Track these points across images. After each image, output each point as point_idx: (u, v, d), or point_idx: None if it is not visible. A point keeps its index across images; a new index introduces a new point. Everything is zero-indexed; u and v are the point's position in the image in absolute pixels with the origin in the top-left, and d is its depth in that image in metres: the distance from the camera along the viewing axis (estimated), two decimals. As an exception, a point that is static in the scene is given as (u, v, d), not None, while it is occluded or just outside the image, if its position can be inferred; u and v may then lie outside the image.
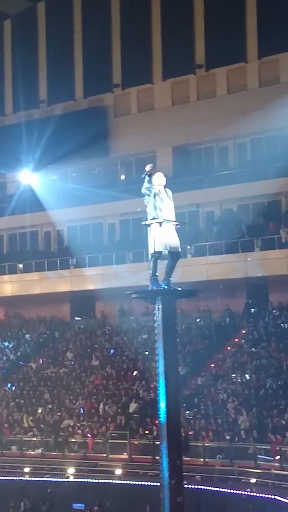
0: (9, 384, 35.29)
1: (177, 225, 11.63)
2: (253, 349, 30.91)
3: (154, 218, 11.48)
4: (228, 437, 26.37)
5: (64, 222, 40.27)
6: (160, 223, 11.41)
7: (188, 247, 33.20)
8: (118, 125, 39.56)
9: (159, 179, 11.75)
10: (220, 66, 36.70)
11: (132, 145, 38.60)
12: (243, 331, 32.80)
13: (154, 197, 11.56)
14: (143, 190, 11.69)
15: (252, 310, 33.49)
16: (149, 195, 11.64)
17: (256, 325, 32.36)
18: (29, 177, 39.87)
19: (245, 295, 34.70)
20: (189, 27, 37.47)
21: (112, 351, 34.79)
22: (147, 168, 11.71)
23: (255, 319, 32.79)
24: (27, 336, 39.11)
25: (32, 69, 42.09)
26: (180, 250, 11.69)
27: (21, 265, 40.04)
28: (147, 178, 11.70)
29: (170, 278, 11.63)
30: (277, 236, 32.81)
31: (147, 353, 32.45)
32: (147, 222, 11.61)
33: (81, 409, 31.06)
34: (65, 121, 39.68)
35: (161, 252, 11.47)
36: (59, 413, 31.48)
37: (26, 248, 42.19)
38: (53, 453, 29.82)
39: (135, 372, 32.25)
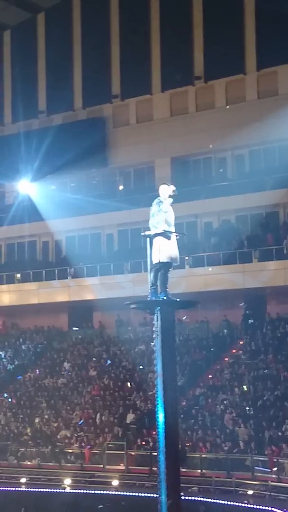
0: (5, 395, 35.19)
1: (177, 236, 11.67)
2: (250, 360, 30.88)
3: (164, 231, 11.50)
4: (225, 448, 26.31)
5: (62, 232, 40.29)
6: (169, 236, 11.45)
7: (186, 257, 33.22)
8: (116, 136, 39.67)
9: (166, 191, 11.79)
10: (219, 77, 36.84)
11: (130, 156, 38.70)
12: (241, 342, 32.78)
13: (165, 212, 11.62)
14: (159, 211, 11.64)
15: (250, 321, 33.46)
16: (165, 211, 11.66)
17: (254, 336, 32.34)
18: (27, 187, 39.93)
19: (243, 306, 34.68)
20: (188, 39, 37.64)
21: (108, 361, 34.72)
22: (172, 191, 11.75)
23: (252, 330, 32.78)
24: (24, 346, 39.04)
25: (31, 79, 42.22)
26: (178, 262, 11.75)
27: (19, 275, 40.02)
28: (168, 200, 11.70)
29: (167, 289, 11.64)
30: (275, 247, 32.87)
31: (143, 364, 32.40)
32: (147, 233, 11.62)
33: (80, 421, 30.94)
34: (64, 131, 39.78)
35: (165, 262, 11.51)
36: (55, 424, 31.39)
37: (24, 258, 42.19)
38: (50, 463, 29.72)
39: (128, 384, 32.18)
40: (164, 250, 11.47)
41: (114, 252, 39.05)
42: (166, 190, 11.78)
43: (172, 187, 11.81)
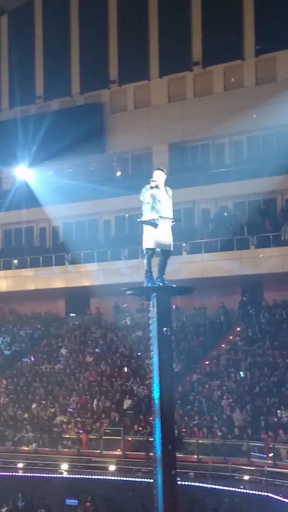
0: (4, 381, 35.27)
1: (173, 222, 11.61)
2: (247, 347, 30.95)
3: (152, 219, 11.42)
4: (221, 434, 26.41)
5: (60, 218, 40.24)
6: (155, 224, 11.37)
7: (184, 244, 33.20)
8: (114, 122, 39.52)
9: (159, 176, 11.67)
10: (217, 63, 36.69)
11: (128, 142, 38.57)
12: (238, 329, 32.84)
13: (153, 198, 11.51)
14: (146, 199, 11.52)
15: (249, 309, 33.48)
16: (148, 203, 11.55)
17: (250, 322, 32.39)
18: (25, 173, 39.82)
19: (240, 292, 34.72)
20: (186, 24, 37.42)
21: (97, 350, 34.66)
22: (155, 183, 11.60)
23: (249, 317, 32.82)
24: (22, 332, 39.08)
25: (28, 64, 42.01)
26: (172, 248, 11.65)
27: (16, 261, 40.02)
28: (154, 189, 11.54)
29: (164, 275, 11.62)
30: (272, 234, 32.85)
31: (140, 350, 32.47)
32: (142, 219, 11.58)
33: (71, 409, 30.99)
34: (61, 117, 39.62)
35: (153, 249, 11.46)
36: (52, 409, 31.48)
37: (21, 244, 42.17)
38: (47, 449, 29.83)
39: (125, 370, 32.24)
40: (154, 236, 11.42)
41: (112, 238, 39.01)
42: (157, 178, 11.67)
43: (155, 181, 11.64)
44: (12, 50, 42.72)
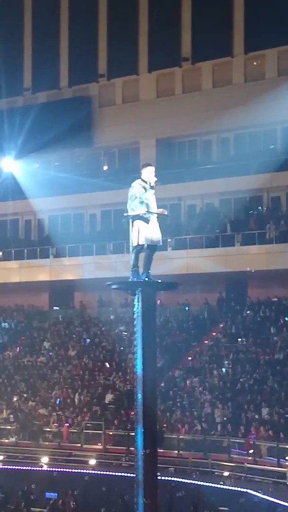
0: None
1: (157, 217, 11.57)
2: (229, 344, 31.04)
3: (142, 214, 11.36)
4: (202, 430, 26.48)
5: (45, 211, 40.13)
6: (147, 219, 11.35)
7: (169, 240, 33.23)
8: (102, 116, 39.43)
9: (151, 173, 11.61)
10: (206, 59, 36.67)
11: (115, 136, 38.49)
12: (221, 325, 32.92)
13: (143, 194, 11.45)
14: (141, 196, 11.44)
15: (225, 304, 33.61)
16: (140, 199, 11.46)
17: (234, 319, 32.49)
18: (11, 165, 39.63)
19: (224, 289, 34.81)
20: (176, 20, 37.38)
21: (87, 340, 34.75)
22: (154, 182, 11.53)
23: (233, 314, 32.92)
24: (4, 324, 38.96)
25: (17, 56, 41.78)
26: (160, 243, 11.66)
27: (0, 253, 39.86)
28: (148, 187, 11.47)
29: (149, 270, 11.61)
30: (257, 232, 32.95)
31: (123, 345, 32.47)
32: (130, 214, 11.54)
33: (58, 399, 31.00)
34: (49, 109, 39.48)
35: (148, 245, 11.44)
36: (34, 402, 31.43)
37: (6, 236, 41.98)
38: (28, 441, 29.78)
39: (107, 364, 32.25)
40: (143, 232, 11.41)
41: (97, 232, 38.95)
42: (151, 175, 11.58)
43: (154, 178, 11.59)
44: (1, 41, 42.43)
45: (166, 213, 11.72)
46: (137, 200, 11.44)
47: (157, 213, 11.51)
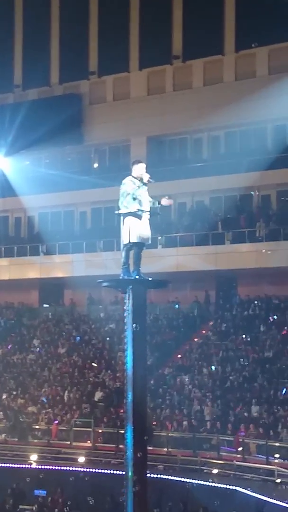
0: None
1: (159, 209, 11.57)
2: (219, 341, 31.09)
3: (134, 211, 11.33)
4: (192, 428, 26.51)
5: (36, 208, 40.04)
6: (139, 216, 11.33)
7: (159, 237, 33.23)
8: (93, 113, 39.36)
9: (142, 170, 11.57)
10: (197, 57, 36.66)
11: (106, 134, 38.43)
12: (211, 323, 32.97)
13: (135, 191, 11.42)
14: (134, 192, 11.39)
15: (212, 302, 33.68)
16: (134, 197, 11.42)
17: (223, 317, 32.54)
18: (1, 162, 39.52)
19: (214, 287, 34.85)
20: (167, 18, 37.34)
21: (77, 338, 34.74)
22: (147, 179, 11.48)
23: (222, 311, 32.97)
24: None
25: (7, 53, 41.63)
26: (150, 241, 11.66)
27: (-10, 250, 39.76)
28: (140, 184, 11.42)
29: (140, 268, 11.60)
30: (247, 230, 33.00)
31: (113, 343, 32.47)
32: (122, 211, 11.50)
33: (44, 399, 30.95)
34: (40, 106, 39.37)
35: (135, 243, 11.42)
36: (23, 400, 31.38)
37: (-4, 233, 41.87)
38: (16, 439, 29.73)
39: (97, 362, 32.24)
40: (134, 230, 11.39)
41: (87, 230, 38.92)
42: (142, 171, 11.55)
43: (147, 175, 11.56)
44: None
45: (171, 202, 11.69)
46: (130, 196, 11.40)
47: (145, 211, 11.48)
